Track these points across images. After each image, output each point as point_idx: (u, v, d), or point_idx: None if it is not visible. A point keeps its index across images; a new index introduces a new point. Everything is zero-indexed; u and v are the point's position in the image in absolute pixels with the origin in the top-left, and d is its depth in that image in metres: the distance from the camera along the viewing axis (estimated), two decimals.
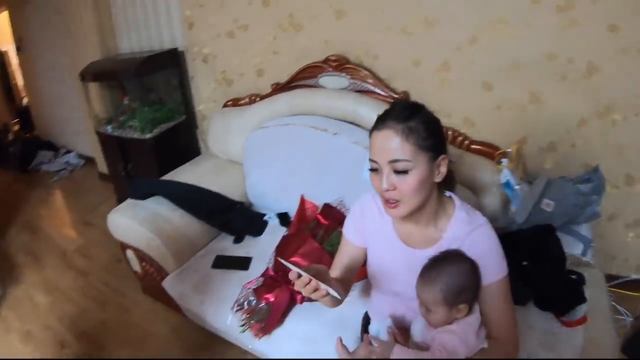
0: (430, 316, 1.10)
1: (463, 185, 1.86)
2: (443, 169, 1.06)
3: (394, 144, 1.00)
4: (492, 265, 1.09)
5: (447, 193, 1.17)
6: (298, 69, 2.33)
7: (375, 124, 1.05)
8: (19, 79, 6.10)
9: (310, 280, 0.98)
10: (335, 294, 1.01)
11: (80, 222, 3.73)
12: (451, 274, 1.05)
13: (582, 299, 1.44)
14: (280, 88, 2.42)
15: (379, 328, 1.20)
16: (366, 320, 1.47)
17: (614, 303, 1.91)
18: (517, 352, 1.12)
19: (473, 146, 1.99)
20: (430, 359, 1.07)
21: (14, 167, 4.98)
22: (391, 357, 1.07)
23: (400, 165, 1.01)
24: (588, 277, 1.52)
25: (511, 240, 1.69)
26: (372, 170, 1.06)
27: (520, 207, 1.81)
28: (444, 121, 2.06)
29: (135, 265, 2.36)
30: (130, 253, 2.32)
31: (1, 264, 3.16)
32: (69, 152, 5.03)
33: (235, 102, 2.66)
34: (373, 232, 1.24)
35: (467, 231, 1.10)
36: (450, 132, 2.02)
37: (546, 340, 1.38)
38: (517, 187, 1.84)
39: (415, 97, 2.08)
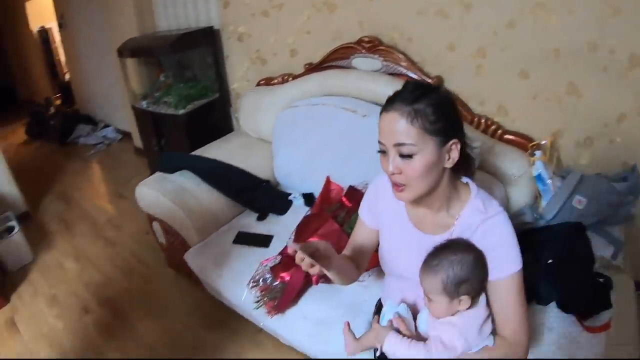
0: (432, 306, 1.07)
1: (493, 176, 1.80)
2: (454, 155, 1.01)
3: (400, 126, 0.96)
4: (504, 259, 1.03)
5: (464, 179, 1.12)
6: (331, 50, 2.31)
7: (384, 104, 1.01)
8: (62, 55, 6.30)
9: (304, 259, 0.98)
10: (329, 275, 1.03)
11: (113, 194, 3.86)
12: (453, 263, 1.01)
13: (608, 305, 1.38)
14: (312, 68, 2.40)
15: (390, 313, 1.17)
16: (379, 306, 1.45)
17: None
18: (526, 352, 1.06)
19: (506, 136, 1.92)
20: (422, 353, 1.03)
21: (54, 139, 5.18)
22: (385, 345, 1.07)
23: (405, 149, 0.97)
24: (616, 282, 1.45)
25: (538, 236, 1.66)
26: (381, 152, 1.03)
27: (551, 202, 1.74)
28: (477, 109, 2.00)
29: (161, 237, 2.42)
30: (156, 225, 2.38)
31: (35, 231, 3.29)
32: (107, 126, 5.19)
33: (268, 81, 2.66)
34: (386, 214, 1.21)
35: (481, 220, 1.05)
36: (483, 120, 1.96)
37: (565, 344, 1.31)
38: (549, 181, 1.77)
39: (448, 82, 2.02)
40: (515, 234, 1.05)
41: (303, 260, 0.98)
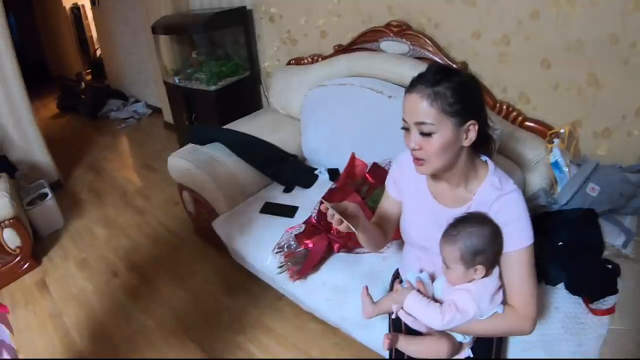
0: (449, 273, 1.15)
1: (511, 160, 1.86)
2: (472, 135, 1.08)
3: (421, 107, 1.04)
4: (517, 233, 1.10)
5: (483, 157, 1.20)
6: (360, 33, 2.37)
7: (409, 85, 1.09)
8: (93, 32, 6.44)
9: (334, 215, 1.09)
10: (357, 233, 1.14)
11: (142, 167, 3.99)
12: (471, 234, 1.09)
13: (614, 290, 1.44)
14: (341, 50, 2.48)
15: (412, 277, 1.26)
16: (396, 276, 1.55)
17: None
18: (532, 324, 1.13)
19: (526, 123, 1.98)
20: (437, 312, 1.12)
21: (85, 113, 5.35)
22: (405, 301, 1.15)
23: (425, 128, 1.05)
24: (625, 270, 1.50)
25: (551, 219, 1.74)
26: (404, 129, 1.12)
27: (565, 187, 1.81)
28: (499, 95, 2.06)
29: (190, 207, 2.54)
30: (186, 194, 2.50)
31: (66, 199, 3.44)
32: (137, 101, 5.35)
33: (298, 61, 2.75)
34: (408, 187, 1.30)
35: (496, 196, 1.12)
36: (504, 107, 2.01)
37: (570, 323, 1.38)
38: (565, 168, 1.83)
39: (473, 68, 2.08)
40: (528, 211, 1.13)
41: (334, 217, 1.09)
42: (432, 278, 1.27)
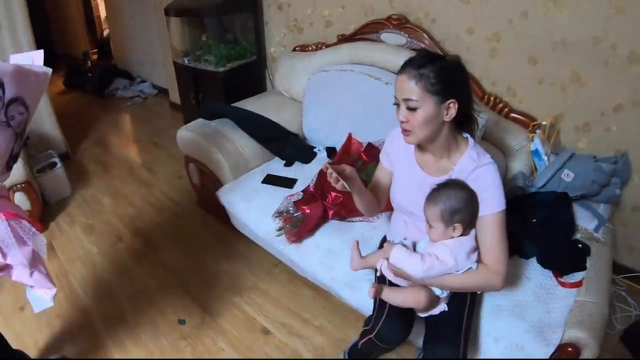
0: (431, 231, 1.31)
1: (496, 147, 2.01)
2: (451, 112, 1.24)
3: (408, 86, 1.21)
4: (491, 199, 1.26)
5: (465, 134, 1.37)
6: (362, 24, 2.53)
7: (400, 67, 1.27)
8: (102, 12, 6.50)
9: (332, 174, 1.28)
10: (348, 189, 1.31)
11: (148, 143, 4.10)
12: (450, 196, 1.25)
13: (583, 267, 1.58)
14: (344, 39, 2.63)
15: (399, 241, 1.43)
16: (383, 242, 1.72)
17: (624, 294, 2.00)
18: (502, 280, 1.27)
19: (512, 114, 2.14)
20: (418, 260, 1.28)
21: (91, 90, 5.42)
22: (391, 253, 1.33)
23: (411, 104, 1.23)
24: (595, 251, 1.64)
25: (527, 200, 1.88)
26: (396, 104, 1.30)
27: (542, 172, 1.97)
28: (489, 88, 2.21)
29: (195, 178, 2.69)
30: (192, 167, 2.65)
31: (74, 170, 3.53)
32: (143, 81, 5.42)
33: (303, 48, 2.91)
34: (398, 158, 1.48)
35: (474, 166, 1.29)
36: (492, 98, 2.17)
37: (540, 292, 1.52)
38: (545, 157, 1.99)
39: (464, 61, 2.15)
40: (501, 181, 1.30)
41: (332, 175, 1.28)
42: (417, 240, 1.44)
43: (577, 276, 1.56)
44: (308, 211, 1.88)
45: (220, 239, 2.64)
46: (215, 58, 3.17)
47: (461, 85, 1.28)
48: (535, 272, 1.61)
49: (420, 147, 1.40)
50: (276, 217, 1.97)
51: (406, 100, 1.24)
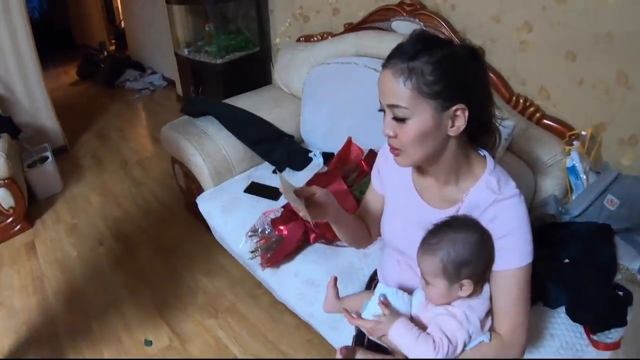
0: (429, 290, 0.97)
1: (522, 160, 1.69)
2: (459, 122, 0.88)
3: (393, 86, 0.86)
4: (513, 249, 0.93)
5: (482, 152, 1.00)
6: (371, 11, 2.23)
7: (386, 58, 0.90)
8: (119, 2, 6.45)
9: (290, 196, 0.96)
10: (309, 219, 0.98)
11: (148, 137, 3.98)
12: (455, 242, 0.91)
13: (623, 322, 1.27)
14: (352, 28, 2.34)
15: (386, 291, 1.05)
16: (373, 277, 1.39)
17: None
18: (520, 354, 0.97)
19: (544, 121, 1.80)
20: (430, 349, 0.93)
21: (102, 81, 5.36)
22: (390, 331, 0.96)
23: (398, 112, 0.87)
24: (638, 299, 1.32)
25: (559, 232, 1.56)
26: (381, 110, 0.93)
27: (580, 197, 1.63)
28: (517, 88, 1.88)
29: (181, 180, 2.47)
30: (177, 168, 2.43)
31: (68, 164, 3.45)
32: (154, 73, 5.32)
33: (307, 39, 2.63)
34: (391, 179, 1.13)
35: (492, 200, 0.93)
36: (521, 101, 1.84)
37: (566, 355, 1.21)
38: (583, 175, 1.65)
39: (490, 55, 1.91)
40: (529, 222, 0.94)
41: (290, 199, 0.95)
42: (406, 286, 1.10)
43: (614, 334, 1.25)
44: (285, 232, 1.57)
45: (203, 250, 2.42)
46: (215, 48, 2.94)
47: (474, 83, 0.90)
48: (562, 327, 1.29)
49: (420, 168, 1.04)
50: (250, 236, 1.67)
51: (392, 107, 0.88)
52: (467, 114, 0.88)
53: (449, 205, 1.00)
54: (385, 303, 0.98)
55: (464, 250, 0.91)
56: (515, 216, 0.93)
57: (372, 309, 1.01)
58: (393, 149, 0.94)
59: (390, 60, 0.87)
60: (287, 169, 2.12)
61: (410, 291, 1.08)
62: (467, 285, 0.93)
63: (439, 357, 0.91)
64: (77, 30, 7.43)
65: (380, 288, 1.04)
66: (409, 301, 1.04)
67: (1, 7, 2.98)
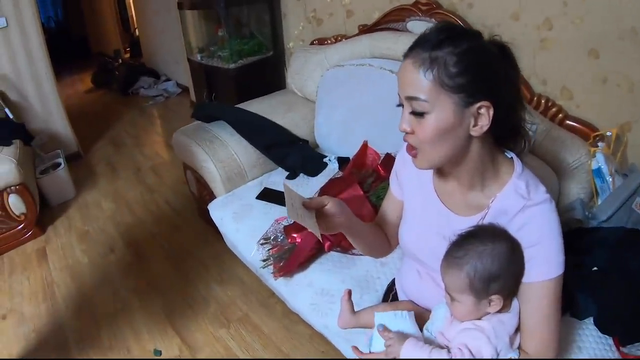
0: (455, 307, 0.90)
1: (546, 163, 1.61)
2: (483, 121, 0.81)
3: (413, 77, 0.80)
4: (544, 259, 0.86)
5: (509, 154, 0.93)
6: (386, 12, 2.17)
7: (408, 48, 0.85)
8: (134, 11, 6.50)
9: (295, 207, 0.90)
10: (317, 233, 0.92)
11: (162, 144, 3.97)
12: (482, 255, 0.85)
13: None
14: (366, 30, 2.28)
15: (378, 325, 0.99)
16: (391, 288, 1.32)
17: None
18: None
19: (567, 122, 1.71)
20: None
21: (117, 89, 5.40)
22: (401, 353, 0.90)
23: (416, 105, 0.81)
24: None
25: (586, 238, 1.48)
26: (399, 105, 0.87)
27: (607, 201, 1.54)
28: (538, 88, 1.80)
29: (193, 187, 2.43)
30: (189, 174, 2.39)
31: (82, 170, 3.46)
32: (168, 80, 5.33)
33: (320, 42, 2.58)
34: (411, 183, 1.06)
35: (521, 206, 0.87)
36: (543, 101, 1.76)
37: None
38: (609, 178, 1.57)
39: None
40: (561, 230, 0.87)
41: (294, 214, 0.90)
42: (427, 300, 1.05)
43: None
44: (299, 240, 1.51)
45: (216, 257, 2.36)
46: (227, 53, 2.90)
47: (502, 80, 0.83)
48: (590, 340, 1.21)
49: (441, 171, 0.97)
50: (262, 244, 1.62)
51: (410, 99, 0.82)
52: (491, 112, 0.81)
53: (474, 212, 0.93)
54: (387, 331, 0.93)
55: (492, 264, 0.84)
56: (546, 223, 0.86)
57: (377, 341, 0.96)
58: (410, 149, 0.88)
59: (412, 49, 0.82)
60: (302, 174, 2.06)
61: (431, 303, 1.03)
62: (496, 301, 0.87)
63: None
64: (93, 39, 7.52)
65: (377, 318, 0.98)
66: (410, 318, 0.98)
67: (13, 14, 3.02)
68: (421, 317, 1.04)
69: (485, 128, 0.82)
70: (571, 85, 1.72)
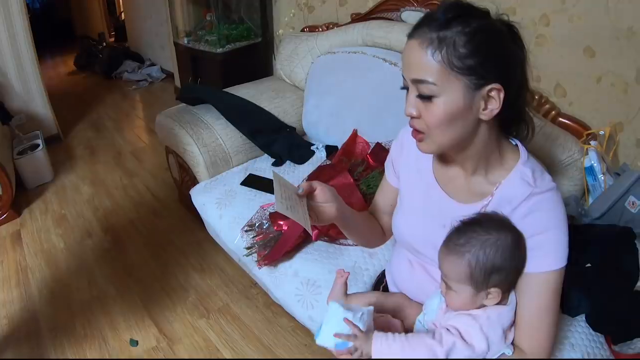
0: (450, 295, 0.86)
1: (537, 158, 1.58)
2: (493, 104, 0.78)
3: (420, 58, 0.76)
4: (548, 248, 0.82)
5: (514, 141, 0.90)
6: (380, 1, 2.12)
7: (412, 27, 0.80)
8: None
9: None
10: (306, 225, 0.84)
11: (144, 129, 3.88)
12: (486, 244, 0.81)
13: None
14: (359, 18, 2.23)
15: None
16: (380, 280, 1.28)
17: None
18: None
19: (560, 119, 1.70)
20: (431, 341, 0.82)
21: (100, 72, 5.24)
22: (372, 351, 0.82)
23: (423, 88, 0.77)
24: None
25: (579, 235, 1.40)
26: (404, 88, 0.83)
27: (600, 198, 1.54)
28: (532, 84, 1.73)
29: (175, 172, 2.36)
30: (172, 159, 2.32)
31: (61, 153, 3.35)
32: (153, 65, 5.19)
33: (311, 29, 2.52)
34: (408, 169, 1.02)
35: (526, 193, 0.83)
36: (536, 97, 1.74)
37: None
38: (601, 176, 1.56)
39: None
40: (567, 220, 0.84)
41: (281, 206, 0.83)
42: (419, 292, 0.99)
43: (637, 345, 1.17)
44: (285, 228, 1.46)
45: (197, 245, 2.31)
46: (215, 38, 2.83)
47: (513, 62, 0.80)
48: (582, 337, 1.19)
49: (443, 157, 0.94)
50: (247, 231, 1.56)
51: (417, 82, 0.77)
52: (502, 95, 0.77)
53: (477, 199, 0.90)
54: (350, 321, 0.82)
55: (495, 255, 0.81)
56: (552, 212, 0.83)
57: (326, 331, 0.83)
58: (416, 133, 0.83)
59: (418, 28, 0.77)
60: (288, 162, 2.01)
61: (423, 296, 0.99)
62: (495, 294, 0.83)
63: (446, 347, 0.80)
64: (77, 22, 7.33)
65: (333, 308, 0.85)
66: (367, 315, 0.85)
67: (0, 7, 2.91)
68: (412, 309, 1.01)
69: (495, 112, 0.79)
70: (565, 82, 1.71)
